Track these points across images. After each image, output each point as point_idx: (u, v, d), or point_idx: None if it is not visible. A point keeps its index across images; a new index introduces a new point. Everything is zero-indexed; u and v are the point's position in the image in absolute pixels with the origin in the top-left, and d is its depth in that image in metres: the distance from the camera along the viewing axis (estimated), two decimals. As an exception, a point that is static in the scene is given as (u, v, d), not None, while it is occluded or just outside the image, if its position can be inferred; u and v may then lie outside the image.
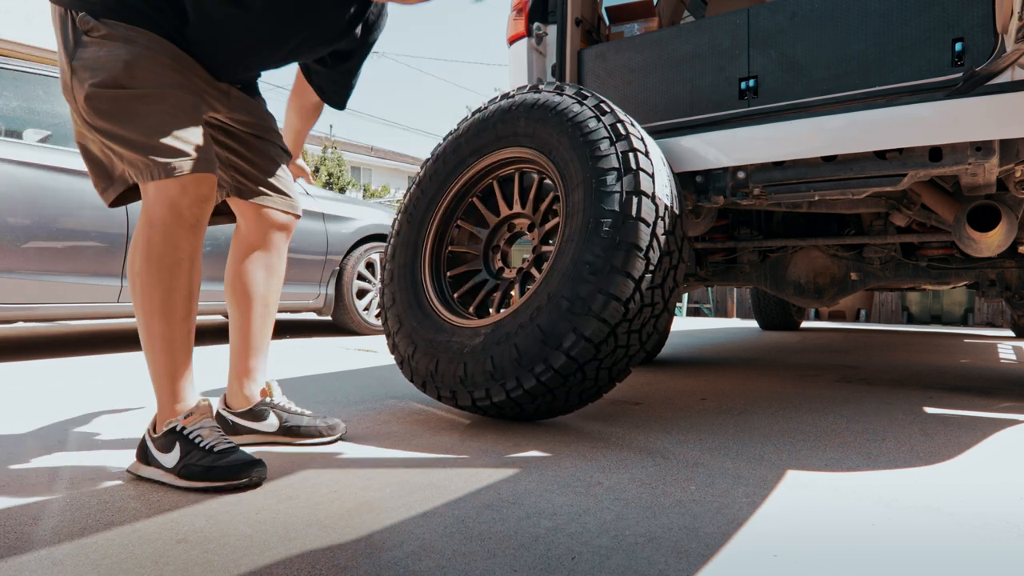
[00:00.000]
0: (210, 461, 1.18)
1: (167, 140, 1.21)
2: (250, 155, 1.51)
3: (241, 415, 1.54)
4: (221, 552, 0.91)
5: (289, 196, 1.57)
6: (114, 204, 1.33)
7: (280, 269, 1.58)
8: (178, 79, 1.27)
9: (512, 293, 1.93)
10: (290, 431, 1.53)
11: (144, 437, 1.28)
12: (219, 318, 6.06)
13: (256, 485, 1.20)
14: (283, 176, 1.57)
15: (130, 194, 1.33)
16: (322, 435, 1.54)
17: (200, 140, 1.27)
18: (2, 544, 0.93)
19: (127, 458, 1.38)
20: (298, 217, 1.60)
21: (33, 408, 1.93)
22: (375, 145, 28.54)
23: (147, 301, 1.23)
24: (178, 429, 1.23)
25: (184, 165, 1.22)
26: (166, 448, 1.22)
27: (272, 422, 1.53)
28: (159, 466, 1.23)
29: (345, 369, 2.92)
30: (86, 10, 1.22)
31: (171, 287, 1.23)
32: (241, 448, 1.25)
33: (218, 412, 1.57)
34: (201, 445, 1.21)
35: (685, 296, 9.75)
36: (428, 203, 2.03)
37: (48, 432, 1.63)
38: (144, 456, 1.26)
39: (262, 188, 1.52)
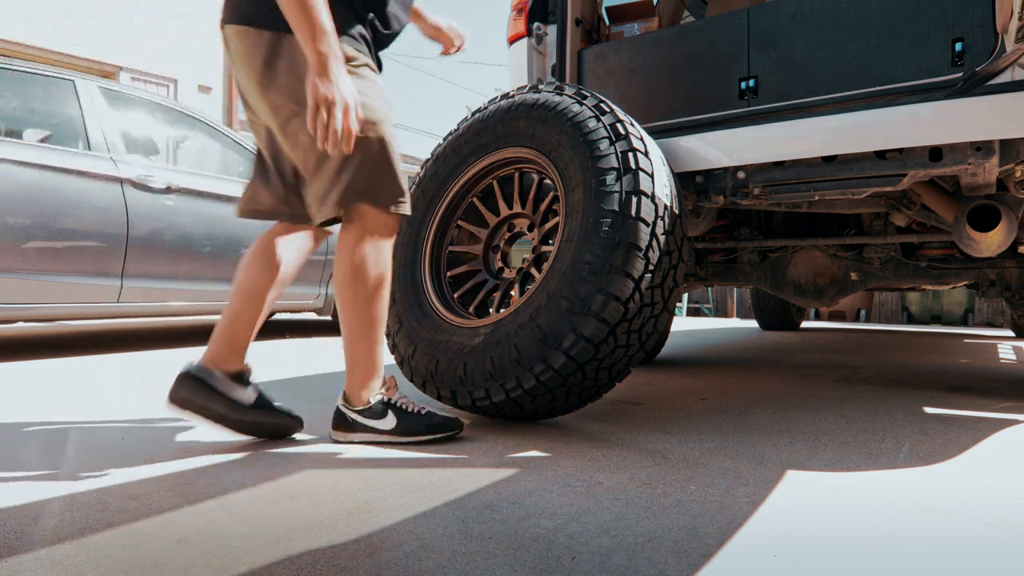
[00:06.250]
0: (425, 420, 1.53)
1: (402, 179, 1.49)
2: None
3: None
4: (221, 552, 0.91)
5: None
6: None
7: (304, 257, 1.66)
8: None
9: (512, 293, 1.93)
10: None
11: (342, 410, 1.53)
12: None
13: (459, 431, 1.56)
14: None
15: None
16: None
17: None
18: (2, 544, 0.93)
19: (127, 458, 1.38)
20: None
21: (33, 408, 1.93)
22: (375, 145, 28.40)
23: (363, 294, 1.47)
24: (386, 400, 1.53)
25: (406, 204, 1.50)
26: (379, 415, 1.51)
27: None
28: (374, 431, 1.51)
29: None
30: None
31: (381, 286, 1.49)
32: (431, 410, 1.56)
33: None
34: (409, 410, 1.54)
35: (685, 296, 9.75)
36: (428, 203, 2.03)
37: (48, 432, 1.63)
38: (348, 424, 1.52)
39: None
